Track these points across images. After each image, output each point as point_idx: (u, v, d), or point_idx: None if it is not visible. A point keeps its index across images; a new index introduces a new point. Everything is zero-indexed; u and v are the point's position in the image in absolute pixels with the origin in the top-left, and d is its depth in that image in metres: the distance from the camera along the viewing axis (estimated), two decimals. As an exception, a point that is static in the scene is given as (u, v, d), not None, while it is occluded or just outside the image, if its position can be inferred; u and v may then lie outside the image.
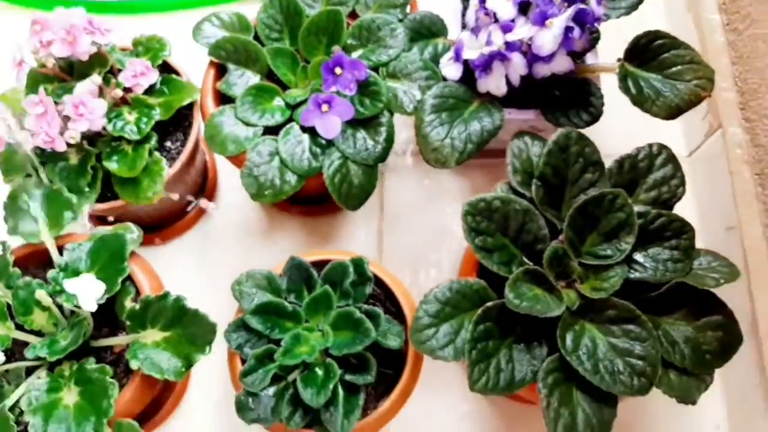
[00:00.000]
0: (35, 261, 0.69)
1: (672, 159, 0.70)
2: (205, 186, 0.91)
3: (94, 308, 0.57)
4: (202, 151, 0.87)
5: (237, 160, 0.74)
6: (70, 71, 0.75)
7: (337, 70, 0.70)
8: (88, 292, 0.57)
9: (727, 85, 0.89)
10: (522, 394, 0.70)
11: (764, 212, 0.82)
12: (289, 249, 0.82)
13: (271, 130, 0.73)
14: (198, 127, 0.78)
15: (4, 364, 0.60)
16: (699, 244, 0.68)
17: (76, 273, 0.63)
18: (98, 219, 0.84)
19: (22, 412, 0.60)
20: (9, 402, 0.60)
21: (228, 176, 0.95)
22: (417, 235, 0.92)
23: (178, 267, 0.87)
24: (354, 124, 0.72)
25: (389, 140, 0.73)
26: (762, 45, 0.83)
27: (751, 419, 0.80)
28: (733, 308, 0.69)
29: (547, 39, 0.67)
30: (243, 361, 0.66)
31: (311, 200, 0.92)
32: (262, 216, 0.93)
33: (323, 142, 0.72)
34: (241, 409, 0.65)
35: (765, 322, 0.79)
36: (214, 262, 0.89)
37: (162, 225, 0.89)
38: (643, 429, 0.84)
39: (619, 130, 0.87)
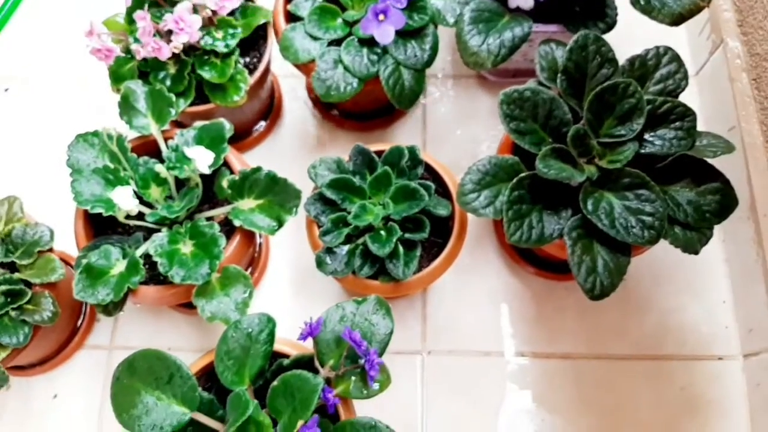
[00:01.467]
0: (146, 151, 0.83)
1: (676, 58, 0.82)
2: (272, 105, 1.06)
3: (207, 171, 0.72)
4: (271, 73, 1.01)
5: (306, 68, 0.88)
6: (165, -2, 0.89)
7: (391, -12, 0.83)
8: (202, 157, 0.72)
9: (726, 6, 1.01)
10: (547, 252, 0.83)
11: (760, 111, 0.94)
12: (345, 154, 0.96)
13: (334, 43, 0.87)
14: (271, 45, 0.92)
15: (135, 219, 0.75)
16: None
17: (183, 152, 0.77)
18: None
19: (147, 260, 0.75)
20: (139, 252, 0.75)
21: (289, 100, 1.09)
22: (454, 144, 1.05)
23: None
24: (404, 35, 0.86)
25: (434, 49, 0.86)
26: (758, -35, 0.94)
27: (751, 292, 0.92)
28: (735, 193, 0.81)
29: (568, -46, 0.80)
30: (319, 227, 0.81)
31: (361, 116, 1.06)
32: (320, 131, 1.07)
33: (378, 51, 0.85)
34: (321, 264, 0.79)
35: (762, 204, 0.91)
36: (284, 167, 1.02)
37: (238, 139, 1.03)
38: (662, 299, 0.97)
39: (636, 42, 0.98)
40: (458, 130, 1.07)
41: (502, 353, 0.94)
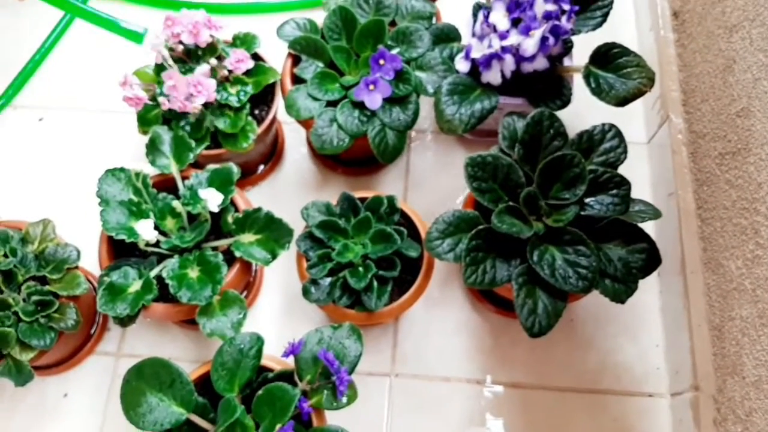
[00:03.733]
0: (165, 187, 0.98)
1: (618, 134, 0.97)
2: (276, 148, 1.21)
3: (216, 210, 0.87)
4: (276, 122, 1.17)
5: (306, 124, 1.03)
6: (189, 55, 1.04)
7: (381, 62, 0.99)
8: (213, 198, 0.86)
9: (675, 87, 1.17)
10: (503, 294, 0.97)
11: (695, 182, 1.09)
12: (336, 196, 1.10)
13: (331, 104, 1.02)
14: (278, 100, 1.07)
15: (152, 246, 0.89)
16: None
17: (197, 192, 0.92)
18: (195, 168, 1.14)
19: (159, 281, 0.89)
20: (153, 273, 0.89)
21: (291, 144, 1.24)
22: (432, 192, 1.20)
23: (257, 205, 1.15)
24: (391, 101, 1.01)
25: (415, 114, 1.01)
26: (698, 56, 1.10)
27: (679, 339, 1.06)
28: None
29: (530, 45, 0.95)
30: (307, 261, 0.95)
31: (353, 162, 1.21)
32: (316, 174, 1.22)
33: (368, 113, 1.01)
34: (306, 293, 0.93)
35: (690, 263, 1.05)
36: (282, 203, 1.17)
37: (244, 176, 1.18)
38: (605, 364, 1.11)
39: (599, 110, 1.09)
40: (437, 180, 1.22)
41: (461, 379, 1.08)
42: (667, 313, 1.10)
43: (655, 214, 0.93)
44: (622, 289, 0.91)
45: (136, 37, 1.33)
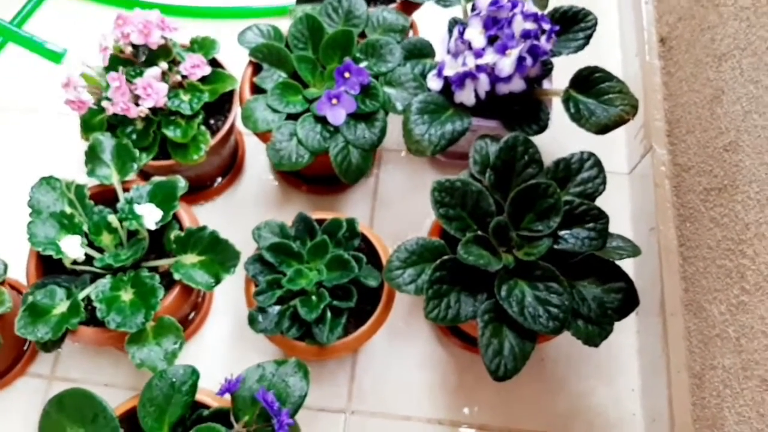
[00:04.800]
0: (104, 198, 0.89)
1: (598, 164, 0.91)
2: (235, 161, 1.13)
3: (153, 227, 0.78)
4: (235, 133, 1.09)
5: (264, 137, 0.96)
6: (140, 58, 0.97)
7: (347, 75, 0.92)
8: (150, 214, 0.78)
9: (659, 116, 1.11)
10: (468, 331, 0.89)
11: (677, 217, 1.03)
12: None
13: (292, 117, 0.95)
14: (235, 110, 1.00)
15: (82, 265, 0.81)
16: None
17: (134, 207, 0.84)
18: (144, 178, 1.05)
19: (89, 302, 0.81)
20: (81, 294, 0.81)
21: (252, 157, 1.17)
22: (401, 214, 1.13)
23: (210, 221, 1.07)
24: (356, 117, 0.94)
25: (382, 132, 0.94)
26: (685, 85, 1.04)
27: (656, 384, 0.99)
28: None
29: (506, 64, 0.89)
30: (256, 287, 0.87)
31: (317, 180, 1.13)
32: (277, 190, 1.14)
33: (331, 129, 0.93)
34: (252, 321, 0.85)
35: (670, 304, 0.99)
36: (238, 220, 1.10)
37: (197, 190, 1.10)
38: (577, 402, 1.03)
39: (578, 137, 1.04)
40: (406, 202, 1.15)
41: (422, 419, 1.00)
42: (645, 355, 1.03)
43: (634, 251, 0.87)
44: (596, 331, 0.84)
45: (55, 57, 1.28)
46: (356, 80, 0.92)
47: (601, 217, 0.86)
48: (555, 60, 1.00)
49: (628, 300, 0.86)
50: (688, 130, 1.02)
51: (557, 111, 0.98)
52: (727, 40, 0.91)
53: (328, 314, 0.84)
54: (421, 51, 1.00)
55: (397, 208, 1.14)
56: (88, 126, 0.94)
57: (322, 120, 0.93)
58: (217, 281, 0.82)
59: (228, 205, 1.12)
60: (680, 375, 0.94)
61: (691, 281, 0.96)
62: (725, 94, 0.90)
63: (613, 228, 0.86)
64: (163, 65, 0.92)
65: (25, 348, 1.02)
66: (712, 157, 0.92)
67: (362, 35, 1.00)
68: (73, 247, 0.76)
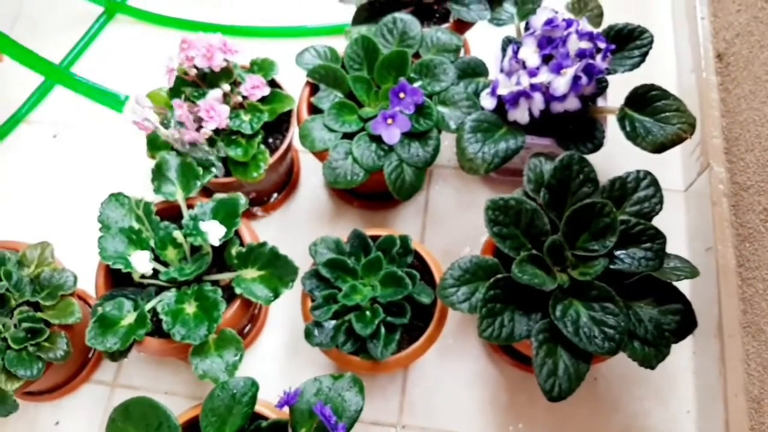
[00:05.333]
0: (169, 214, 0.93)
1: (654, 183, 0.90)
2: (291, 177, 1.16)
3: (217, 243, 0.82)
4: (292, 150, 1.12)
5: (320, 155, 0.98)
6: (204, 79, 1.01)
7: (401, 95, 0.94)
8: (214, 231, 0.81)
9: (716, 133, 1.09)
10: (520, 349, 0.89)
11: (736, 237, 1.00)
12: (350, 230, 1.04)
13: (348, 136, 0.97)
14: (293, 129, 1.03)
15: (148, 278, 0.84)
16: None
17: (199, 224, 0.87)
18: (206, 194, 1.09)
19: (154, 314, 0.84)
20: (147, 306, 0.84)
21: (307, 174, 1.20)
22: (452, 230, 1.14)
23: (267, 235, 1.11)
24: (410, 136, 0.96)
25: (435, 150, 0.96)
26: (743, 102, 1.03)
27: (712, 408, 0.97)
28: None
29: (561, 84, 0.89)
30: (312, 301, 0.89)
31: (369, 196, 1.15)
32: (330, 205, 1.17)
33: (385, 147, 0.95)
34: (309, 335, 0.87)
35: (728, 325, 0.97)
36: (293, 235, 1.13)
37: (255, 205, 1.14)
38: (628, 413, 1.02)
39: (633, 154, 1.01)
40: (457, 218, 1.16)
41: (472, 435, 1.00)
42: (701, 377, 1.01)
43: (692, 272, 0.85)
44: (652, 353, 0.83)
45: (117, 104, 1.27)
46: (411, 100, 0.94)
47: (658, 237, 0.86)
48: (609, 77, 1.00)
49: (685, 322, 0.85)
50: (747, 149, 1.00)
51: (612, 126, 0.98)
52: (790, 57, 0.89)
53: (383, 330, 0.86)
54: (474, 70, 1.01)
55: (448, 224, 1.15)
56: (154, 144, 0.98)
57: (376, 139, 0.95)
58: (276, 296, 0.85)
59: (283, 219, 1.16)
60: (738, 399, 0.92)
61: (750, 303, 0.94)
62: (788, 113, 0.89)
63: (668, 245, 0.85)
64: (225, 87, 0.96)
65: (90, 355, 1.07)
66: (773, 176, 0.91)
67: (416, 55, 1.01)
68: (142, 262, 0.80)
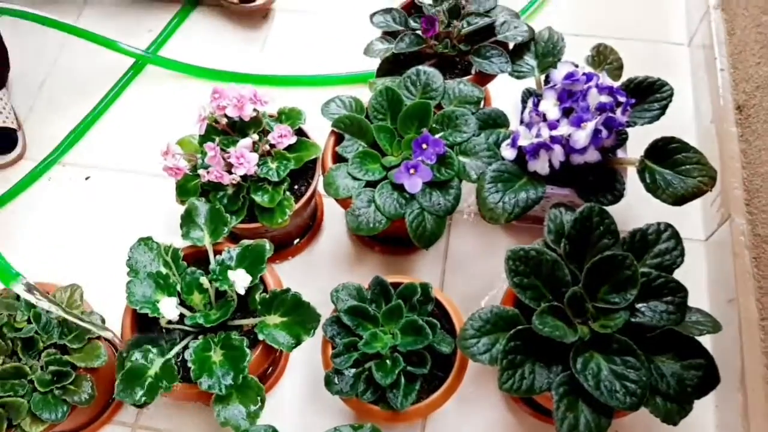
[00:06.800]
0: (196, 259, 0.96)
1: (675, 235, 0.90)
2: (314, 222, 1.18)
3: (243, 292, 0.83)
4: (316, 196, 1.15)
5: (344, 203, 1.00)
6: (233, 128, 1.04)
7: (424, 146, 0.96)
8: (241, 280, 0.83)
9: (737, 184, 1.09)
10: (540, 400, 0.89)
11: (758, 289, 1.00)
12: (371, 275, 1.06)
13: (371, 184, 0.99)
14: (318, 177, 1.05)
15: (174, 323, 0.86)
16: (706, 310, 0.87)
17: (227, 269, 0.89)
18: (233, 240, 1.12)
19: (180, 359, 0.86)
20: (172, 353, 0.86)
21: (330, 218, 1.22)
22: (472, 278, 1.14)
23: (290, 279, 1.12)
24: (431, 185, 0.97)
25: (456, 199, 0.97)
26: (764, 155, 1.03)
27: (738, 462, 0.95)
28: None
29: (581, 137, 0.91)
30: (333, 348, 0.90)
31: (391, 241, 1.17)
32: (352, 249, 1.18)
33: (407, 196, 0.97)
34: (329, 383, 0.88)
35: (751, 378, 0.95)
36: (315, 279, 1.14)
37: (278, 248, 1.16)
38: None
39: (652, 205, 1.02)
40: (477, 266, 1.16)
41: (491, 487, 0.99)
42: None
43: (714, 327, 0.85)
44: (675, 409, 0.83)
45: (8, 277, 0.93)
46: (433, 151, 0.96)
47: (680, 290, 0.86)
48: (629, 129, 1.02)
49: (708, 378, 0.84)
50: (768, 201, 1.00)
51: (632, 177, 0.99)
52: (810, 113, 0.90)
53: (403, 380, 0.86)
54: (495, 121, 1.03)
55: (468, 271, 1.16)
56: (183, 190, 1.01)
57: (399, 187, 0.97)
58: (298, 343, 0.86)
59: (306, 263, 1.17)
60: (765, 456, 0.90)
61: (775, 357, 0.93)
62: (809, 169, 0.89)
63: (689, 297, 0.85)
64: (254, 136, 0.99)
65: (112, 397, 1.08)
66: (796, 231, 0.91)
67: (438, 106, 1.04)
68: (170, 309, 0.82)
